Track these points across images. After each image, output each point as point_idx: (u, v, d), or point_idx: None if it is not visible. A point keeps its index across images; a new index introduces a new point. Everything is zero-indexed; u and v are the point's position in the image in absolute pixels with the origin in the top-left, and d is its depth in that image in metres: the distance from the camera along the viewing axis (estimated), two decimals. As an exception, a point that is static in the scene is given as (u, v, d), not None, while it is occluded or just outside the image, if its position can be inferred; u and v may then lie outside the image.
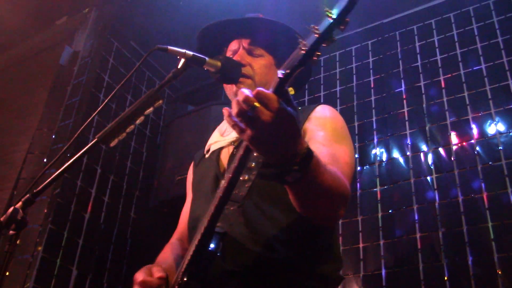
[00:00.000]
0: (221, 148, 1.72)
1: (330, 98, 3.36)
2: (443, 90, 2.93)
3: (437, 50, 3.11)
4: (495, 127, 2.66)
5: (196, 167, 1.85)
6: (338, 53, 3.55)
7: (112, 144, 1.38)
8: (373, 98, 3.21)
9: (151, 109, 1.42)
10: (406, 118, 2.99)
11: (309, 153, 1.14)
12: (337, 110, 3.27)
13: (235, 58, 1.71)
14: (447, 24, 3.16)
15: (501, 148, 2.58)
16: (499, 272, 2.25)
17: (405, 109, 3.03)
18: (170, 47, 1.48)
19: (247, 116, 1.04)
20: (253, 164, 1.29)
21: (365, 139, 3.06)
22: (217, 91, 3.36)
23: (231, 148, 1.66)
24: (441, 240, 2.49)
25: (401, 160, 2.88)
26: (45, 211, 2.83)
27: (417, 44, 3.23)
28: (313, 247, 1.46)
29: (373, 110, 3.15)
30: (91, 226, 3.03)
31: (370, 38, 3.47)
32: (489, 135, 2.66)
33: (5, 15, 3.73)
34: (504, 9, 2.99)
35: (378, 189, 2.86)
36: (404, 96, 3.09)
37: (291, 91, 1.67)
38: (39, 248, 2.69)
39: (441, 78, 2.97)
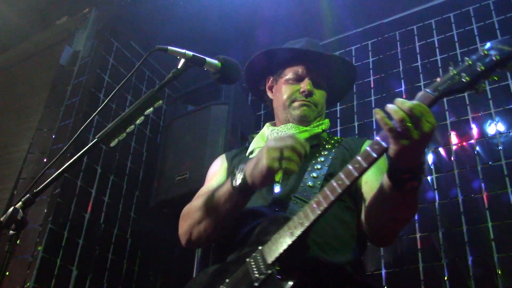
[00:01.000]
0: None
1: (330, 98, 3.35)
2: (443, 90, 2.93)
3: (437, 50, 3.11)
4: (495, 127, 2.66)
5: (233, 160, 1.91)
6: (338, 53, 3.55)
7: (112, 144, 1.38)
8: (373, 98, 3.21)
9: (151, 109, 1.42)
10: (406, 118, 2.98)
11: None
12: (337, 110, 3.30)
13: (304, 85, 1.89)
14: (447, 24, 3.16)
15: (501, 148, 2.58)
16: (499, 272, 2.25)
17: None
18: (170, 47, 1.48)
19: (406, 125, 1.19)
20: (317, 175, 1.59)
21: (365, 139, 3.06)
22: (217, 91, 3.35)
23: None
24: (441, 240, 2.49)
25: (401, 160, 2.87)
26: (45, 211, 2.83)
27: (417, 44, 3.23)
28: (360, 258, 1.63)
29: (373, 110, 3.15)
30: (91, 226, 3.03)
31: (370, 38, 3.47)
32: (489, 135, 2.66)
33: (5, 15, 3.73)
34: (504, 9, 2.99)
35: (378, 189, 2.85)
36: (404, 96, 3.09)
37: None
38: (39, 248, 2.69)
39: (441, 78, 2.96)
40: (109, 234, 3.17)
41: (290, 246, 1.29)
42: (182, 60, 1.49)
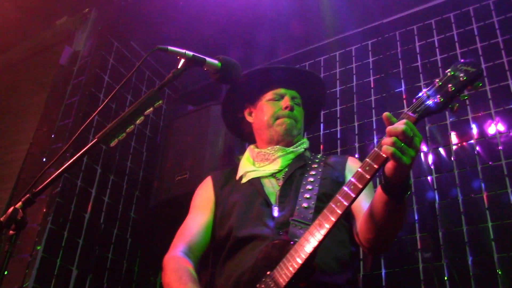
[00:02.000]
0: (260, 177, 1.92)
1: (330, 98, 3.35)
2: (443, 90, 2.92)
3: (437, 50, 3.11)
4: (495, 127, 2.65)
5: (222, 189, 1.97)
6: (338, 53, 3.55)
7: (112, 144, 1.39)
8: (373, 98, 3.21)
9: (151, 109, 1.42)
10: (406, 118, 2.98)
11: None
12: (337, 110, 3.30)
13: (284, 101, 2.03)
14: (447, 24, 3.16)
15: (501, 148, 2.58)
16: (499, 272, 2.25)
17: (405, 109, 3.02)
18: (170, 47, 1.48)
19: (402, 143, 1.36)
20: (309, 196, 1.69)
21: (365, 139, 3.06)
22: (217, 91, 3.35)
23: (272, 179, 1.90)
24: (441, 240, 2.49)
25: (401, 160, 2.87)
26: (44, 210, 2.83)
27: (417, 44, 3.23)
28: (356, 274, 1.77)
29: (373, 110, 3.15)
30: (91, 226, 3.03)
31: (370, 38, 3.46)
32: (489, 135, 2.65)
33: (5, 15, 3.73)
34: (504, 9, 2.98)
35: (378, 189, 2.85)
36: (404, 96, 3.09)
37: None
38: (38, 248, 2.69)
39: (441, 78, 2.96)
40: (109, 234, 3.17)
41: (300, 269, 1.35)
42: (182, 60, 1.49)
